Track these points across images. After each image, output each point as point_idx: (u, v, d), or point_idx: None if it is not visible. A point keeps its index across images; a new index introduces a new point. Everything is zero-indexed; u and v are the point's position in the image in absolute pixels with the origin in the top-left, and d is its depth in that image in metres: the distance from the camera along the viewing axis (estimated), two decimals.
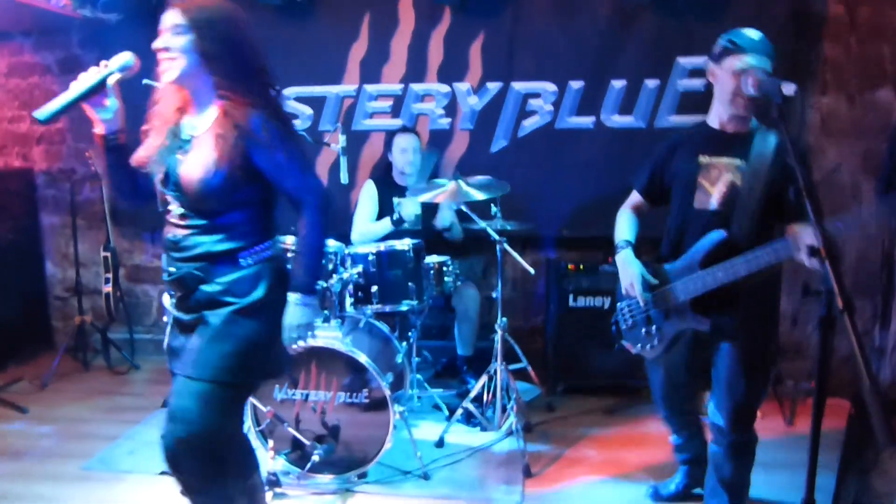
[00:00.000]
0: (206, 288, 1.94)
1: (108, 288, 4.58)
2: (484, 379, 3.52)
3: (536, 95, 4.34)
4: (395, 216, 3.80)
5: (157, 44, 1.91)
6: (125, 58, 1.94)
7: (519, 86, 4.35)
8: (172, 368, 2.03)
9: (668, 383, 2.66)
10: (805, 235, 2.00)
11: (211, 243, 1.93)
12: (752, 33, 2.26)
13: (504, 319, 3.48)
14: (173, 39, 1.88)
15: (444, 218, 3.95)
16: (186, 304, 1.97)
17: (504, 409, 3.51)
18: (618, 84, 4.24)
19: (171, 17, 1.88)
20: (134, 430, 3.65)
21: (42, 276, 5.10)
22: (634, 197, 2.65)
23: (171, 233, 1.98)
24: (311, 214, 1.98)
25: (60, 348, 4.56)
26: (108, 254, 4.61)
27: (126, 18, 4.36)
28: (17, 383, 4.31)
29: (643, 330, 2.55)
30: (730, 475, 2.47)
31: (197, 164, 1.88)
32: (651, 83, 4.21)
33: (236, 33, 1.91)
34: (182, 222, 1.95)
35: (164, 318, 2.06)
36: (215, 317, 1.93)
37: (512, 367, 3.62)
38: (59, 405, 4.04)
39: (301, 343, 2.01)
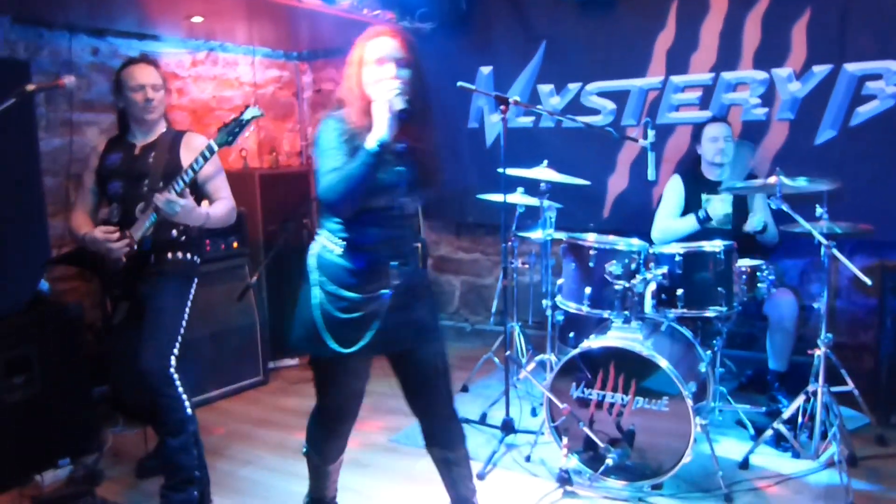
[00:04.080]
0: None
1: None
2: (800, 399, 3.13)
3: (876, 77, 3.73)
4: (702, 214, 3.56)
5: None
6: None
7: (853, 67, 3.78)
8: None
9: None
10: None
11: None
12: None
13: (829, 335, 3.07)
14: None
15: (756, 222, 3.58)
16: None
17: (825, 436, 3.09)
18: None
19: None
20: None
21: None
22: None
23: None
24: None
25: None
26: (419, 245, 5.02)
27: (438, 26, 4.68)
28: None
29: None
30: None
31: None
32: None
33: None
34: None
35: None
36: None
37: (834, 388, 3.17)
38: (374, 380, 4.46)
39: None
